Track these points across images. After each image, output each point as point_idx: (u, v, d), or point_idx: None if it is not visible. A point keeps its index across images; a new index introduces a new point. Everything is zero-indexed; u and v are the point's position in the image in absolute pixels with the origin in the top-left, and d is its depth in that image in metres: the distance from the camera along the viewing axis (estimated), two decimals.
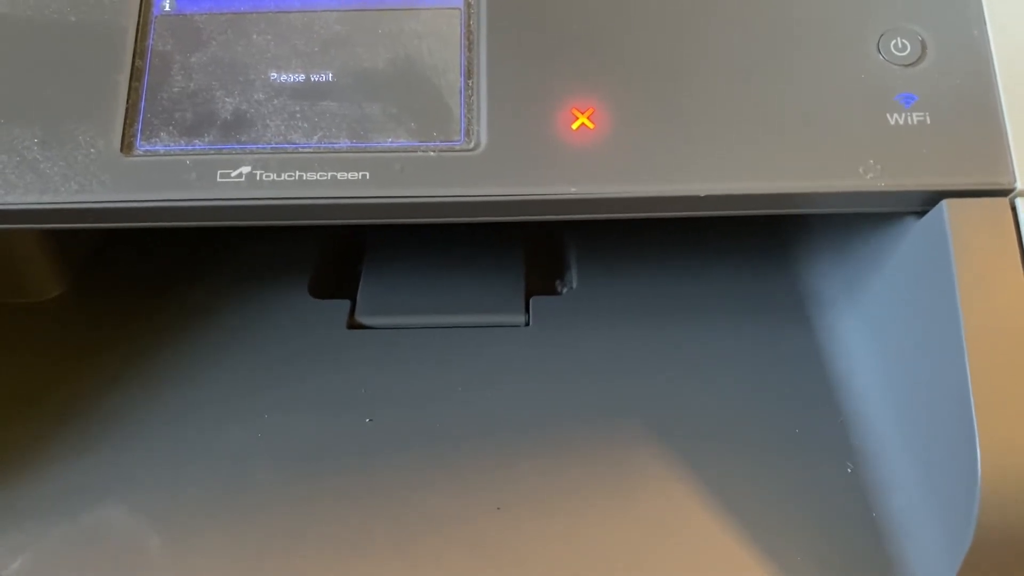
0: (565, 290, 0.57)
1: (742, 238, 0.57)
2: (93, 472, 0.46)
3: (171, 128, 0.42)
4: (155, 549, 0.43)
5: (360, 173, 0.41)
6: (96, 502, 0.45)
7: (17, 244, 0.54)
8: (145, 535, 0.44)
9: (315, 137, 0.42)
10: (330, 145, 0.42)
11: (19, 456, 0.47)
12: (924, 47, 0.42)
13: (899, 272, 0.45)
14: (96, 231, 0.59)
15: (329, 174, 0.41)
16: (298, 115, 0.42)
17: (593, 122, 0.42)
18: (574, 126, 0.42)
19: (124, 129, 0.42)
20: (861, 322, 0.50)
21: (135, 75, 0.43)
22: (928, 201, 0.42)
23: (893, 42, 0.42)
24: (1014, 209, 0.41)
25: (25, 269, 0.55)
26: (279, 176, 0.41)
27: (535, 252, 0.59)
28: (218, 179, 0.41)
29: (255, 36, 0.43)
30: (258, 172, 0.41)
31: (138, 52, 0.43)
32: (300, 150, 0.42)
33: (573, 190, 0.41)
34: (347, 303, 0.55)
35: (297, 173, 0.41)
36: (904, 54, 0.42)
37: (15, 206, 0.41)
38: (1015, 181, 0.40)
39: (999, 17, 0.42)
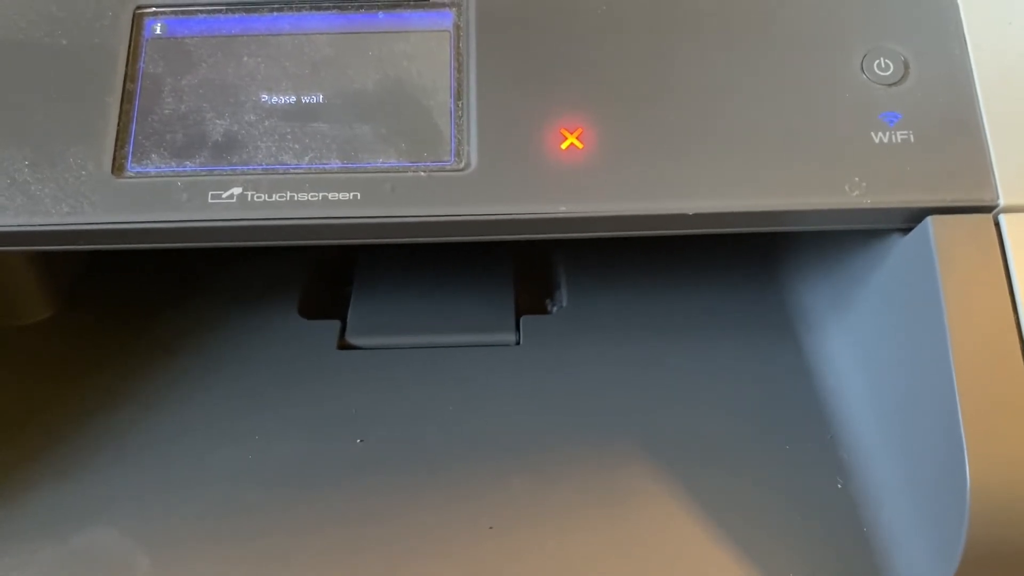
0: (555, 309, 0.57)
1: (730, 256, 0.58)
2: (83, 494, 0.46)
3: (162, 150, 0.42)
4: (145, 571, 0.43)
5: (351, 193, 0.41)
6: (86, 524, 0.45)
7: (6, 266, 0.54)
8: (135, 558, 0.44)
9: (306, 158, 0.42)
10: (321, 166, 0.42)
11: (8, 478, 0.47)
12: (907, 66, 0.43)
13: (886, 288, 0.46)
14: (85, 253, 0.59)
15: (320, 194, 0.41)
16: (289, 136, 0.42)
17: (582, 142, 0.42)
18: (563, 146, 0.42)
19: (115, 151, 0.42)
20: (849, 338, 0.50)
21: (126, 97, 0.43)
22: (913, 218, 0.42)
23: (876, 62, 0.43)
24: (998, 225, 0.41)
25: (14, 291, 0.55)
26: (270, 197, 0.41)
27: (525, 271, 0.59)
28: (209, 200, 0.41)
29: (246, 58, 0.44)
30: (249, 193, 0.41)
31: (129, 75, 0.43)
32: (291, 171, 0.42)
33: (563, 209, 0.41)
34: (337, 323, 0.55)
35: (288, 194, 0.41)
36: (887, 73, 0.43)
37: (5, 228, 0.41)
38: (998, 197, 0.41)
39: (978, 36, 0.43)
